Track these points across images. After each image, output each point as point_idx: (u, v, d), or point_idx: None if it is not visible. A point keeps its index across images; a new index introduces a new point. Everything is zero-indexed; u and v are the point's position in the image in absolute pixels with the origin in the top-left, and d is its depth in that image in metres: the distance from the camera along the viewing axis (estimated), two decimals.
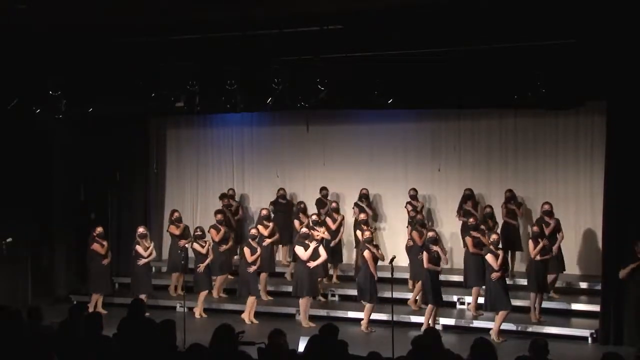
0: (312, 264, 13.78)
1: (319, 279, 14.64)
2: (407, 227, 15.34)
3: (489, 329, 12.96)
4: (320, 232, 14.80)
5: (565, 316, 13.81)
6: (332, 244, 15.38)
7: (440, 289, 13.42)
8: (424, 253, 13.22)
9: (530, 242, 13.49)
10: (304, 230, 14.14)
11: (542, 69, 11.94)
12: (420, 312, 13.89)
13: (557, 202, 14.85)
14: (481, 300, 13.53)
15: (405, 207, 15.76)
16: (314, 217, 15.09)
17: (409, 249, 14.78)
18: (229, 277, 15.79)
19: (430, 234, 13.52)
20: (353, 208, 16.26)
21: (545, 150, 15.73)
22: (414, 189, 15.98)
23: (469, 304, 14.24)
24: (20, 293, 15.23)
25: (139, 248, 14.71)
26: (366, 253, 13.37)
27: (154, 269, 16.28)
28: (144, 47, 13.25)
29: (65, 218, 16.59)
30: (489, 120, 16.08)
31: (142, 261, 14.70)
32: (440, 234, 15.63)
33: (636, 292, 12.27)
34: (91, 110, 14.30)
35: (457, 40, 12.15)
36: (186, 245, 15.18)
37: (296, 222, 15.79)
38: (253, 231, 14.56)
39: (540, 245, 13.36)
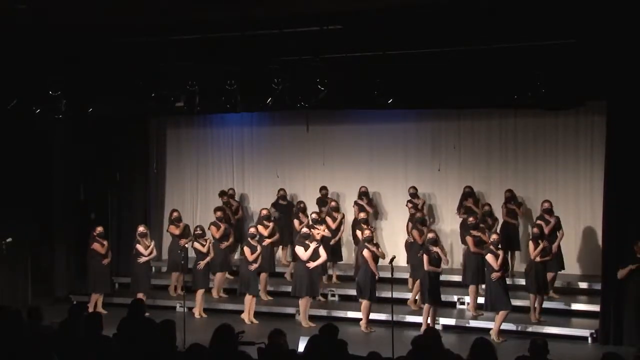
0: (311, 264, 13.78)
1: (319, 278, 14.63)
2: (408, 223, 15.34)
3: (489, 329, 12.96)
4: (321, 230, 14.82)
5: (565, 316, 13.81)
6: (331, 242, 15.38)
7: (439, 289, 13.41)
8: (424, 255, 13.21)
9: (530, 243, 13.49)
10: (305, 230, 14.14)
11: (542, 69, 11.93)
12: (420, 312, 13.88)
13: (557, 202, 14.86)
14: (481, 300, 13.54)
15: (407, 205, 15.76)
16: (314, 215, 15.11)
17: (409, 246, 14.80)
18: (229, 276, 15.80)
19: (430, 235, 13.51)
20: (353, 207, 16.27)
21: (545, 150, 15.74)
22: (414, 187, 15.99)
23: (468, 303, 14.24)
24: (20, 293, 15.24)
25: (139, 247, 14.72)
26: (365, 252, 13.37)
27: (153, 268, 16.29)
28: (144, 47, 13.24)
29: (65, 218, 16.59)
30: (489, 120, 16.08)
31: (142, 259, 14.70)
32: (440, 232, 15.63)
33: (636, 292, 12.28)
34: (91, 110, 14.29)
35: (457, 40, 12.15)
36: (186, 244, 15.19)
37: (296, 222, 15.80)
38: (252, 230, 14.57)
39: (541, 246, 13.35)
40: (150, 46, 13.20)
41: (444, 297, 13.80)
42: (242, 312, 14.22)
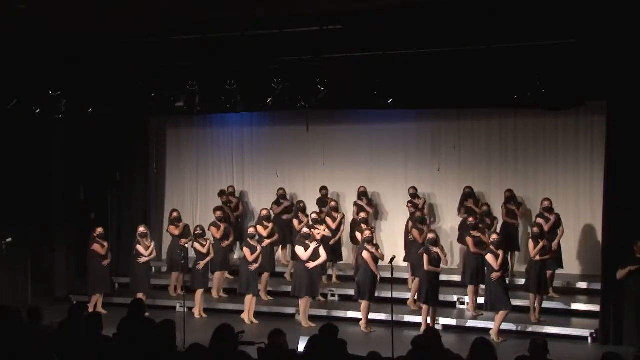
0: (311, 265, 13.77)
1: (319, 277, 14.63)
2: (407, 222, 15.34)
3: (489, 329, 12.97)
4: (321, 230, 14.82)
5: (565, 316, 13.81)
6: (331, 243, 15.38)
7: (438, 290, 13.41)
8: (424, 255, 13.21)
9: (530, 242, 13.50)
10: (305, 230, 14.14)
11: (542, 69, 11.93)
12: (420, 312, 13.88)
13: (557, 201, 14.85)
14: (481, 300, 13.54)
15: (407, 206, 15.76)
16: (314, 216, 15.11)
17: (409, 246, 14.81)
18: (228, 276, 15.80)
19: (430, 235, 13.51)
20: (353, 207, 16.27)
21: (545, 150, 15.73)
22: (414, 187, 15.98)
23: (469, 304, 14.24)
24: (20, 293, 15.24)
25: (139, 247, 14.72)
26: (365, 254, 13.37)
27: (153, 268, 16.29)
28: (144, 47, 13.24)
29: (65, 218, 16.59)
30: (489, 120, 16.08)
31: (142, 260, 14.70)
32: (440, 232, 15.63)
33: (636, 292, 12.28)
34: (91, 110, 14.29)
35: (457, 40, 12.14)
36: (187, 244, 15.19)
37: (295, 222, 15.80)
38: (251, 230, 14.58)
39: (540, 245, 13.36)
40: (150, 46, 13.20)
41: (443, 297, 13.82)
42: (242, 312, 14.22)
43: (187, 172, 18.28)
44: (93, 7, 11.55)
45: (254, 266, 14.07)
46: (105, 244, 14.97)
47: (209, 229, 15.28)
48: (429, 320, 13.16)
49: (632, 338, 12.19)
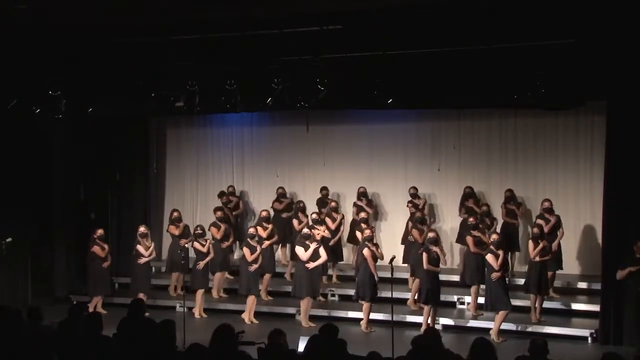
0: (310, 265, 13.77)
1: (320, 278, 14.63)
2: (407, 222, 15.33)
3: (489, 329, 12.97)
4: (321, 231, 14.82)
5: (565, 316, 13.82)
6: (331, 243, 15.37)
7: (439, 289, 13.41)
8: (424, 254, 13.21)
9: (530, 243, 13.49)
10: (305, 230, 14.13)
11: (542, 69, 11.92)
12: (420, 312, 13.89)
13: (557, 202, 14.85)
14: (481, 300, 13.54)
15: (407, 205, 15.76)
16: (314, 216, 15.11)
17: (409, 246, 14.80)
18: (228, 276, 15.80)
19: (430, 234, 13.51)
20: (353, 208, 16.27)
21: (545, 150, 15.73)
22: (414, 187, 15.98)
23: (468, 303, 14.24)
24: (20, 293, 15.24)
25: (139, 247, 14.72)
26: (365, 251, 13.37)
27: (153, 269, 16.29)
28: (144, 47, 13.24)
29: (65, 218, 16.59)
30: (489, 120, 16.08)
31: (142, 260, 14.70)
32: (441, 232, 15.63)
33: (636, 292, 12.27)
34: (91, 110, 14.29)
35: (457, 40, 12.14)
36: (187, 244, 15.18)
37: (295, 222, 15.80)
38: (251, 230, 14.58)
39: (540, 246, 13.35)
40: (150, 46, 13.20)
41: (444, 297, 13.80)
42: (242, 312, 14.22)
43: (187, 172, 18.28)
44: (93, 7, 11.55)
45: (254, 267, 14.07)
46: (106, 246, 14.96)
47: (209, 229, 15.28)
48: (429, 321, 13.16)
49: (632, 338, 12.19)
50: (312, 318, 13.96)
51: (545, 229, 13.99)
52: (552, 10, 11.39)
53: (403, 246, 15.38)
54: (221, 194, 16.87)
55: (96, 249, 14.77)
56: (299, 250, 13.86)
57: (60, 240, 16.49)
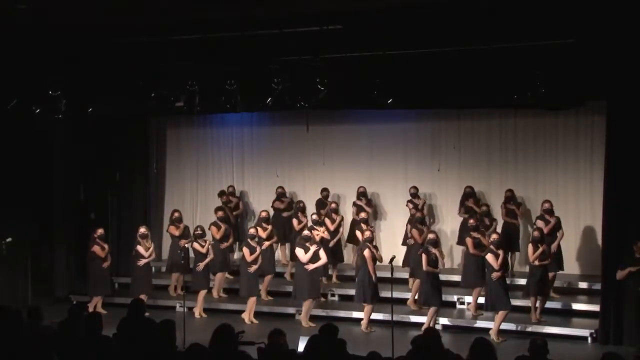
0: (310, 267, 13.75)
1: (320, 278, 14.63)
2: (407, 225, 15.33)
3: (489, 329, 12.96)
4: (320, 232, 14.81)
5: (565, 316, 13.81)
6: (330, 244, 15.36)
7: (440, 290, 13.42)
8: (423, 255, 13.21)
9: (530, 246, 13.47)
10: (306, 232, 14.10)
11: (542, 69, 11.92)
12: (420, 312, 13.90)
13: (557, 202, 14.85)
14: (481, 300, 13.54)
15: (407, 205, 15.76)
16: (315, 217, 15.11)
17: (409, 247, 14.79)
18: (228, 276, 15.80)
19: (430, 236, 13.51)
20: (353, 207, 16.26)
21: (545, 150, 15.73)
22: (415, 187, 15.98)
23: (469, 303, 14.24)
24: (20, 293, 15.24)
25: (139, 248, 14.71)
26: (366, 252, 13.36)
27: (153, 269, 16.28)
28: (144, 47, 13.24)
29: (65, 218, 16.59)
30: (489, 120, 16.08)
31: (142, 262, 14.70)
32: (440, 233, 15.65)
33: (636, 292, 12.27)
34: (91, 110, 14.29)
35: (457, 40, 12.14)
36: (186, 244, 15.19)
37: (295, 221, 15.80)
38: (252, 231, 14.57)
39: (540, 250, 13.33)
40: (150, 46, 13.20)
41: (444, 297, 13.77)
42: (242, 312, 14.22)
43: (187, 172, 18.28)
44: (93, 7, 11.55)
45: (253, 268, 14.06)
46: (106, 245, 14.96)
47: (209, 229, 15.27)
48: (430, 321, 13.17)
49: (632, 338, 12.18)
50: (312, 318, 13.96)
51: (545, 230, 13.98)
52: (552, 10, 11.39)
53: (404, 247, 15.35)
54: (221, 193, 16.87)
55: (96, 248, 14.77)
56: (299, 252, 13.84)
57: (60, 240, 16.49)
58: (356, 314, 14.01)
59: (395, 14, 11.92)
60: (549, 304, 13.85)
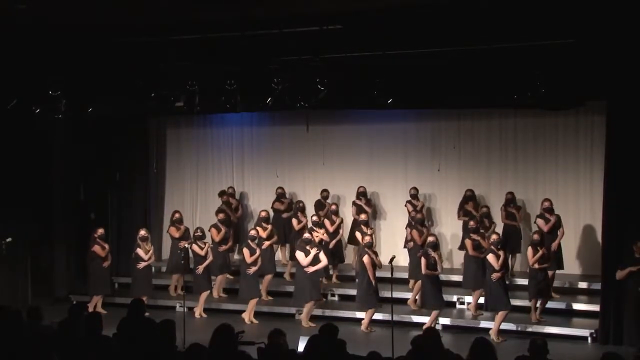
0: (310, 269, 13.74)
1: (320, 279, 14.62)
2: (406, 228, 15.32)
3: (489, 329, 12.97)
4: (320, 233, 14.80)
5: (565, 316, 13.81)
6: (330, 246, 15.35)
7: (441, 292, 13.43)
8: (422, 259, 13.20)
9: (530, 250, 13.44)
10: (307, 235, 14.07)
11: (542, 69, 11.93)
12: (420, 312, 13.90)
13: (557, 202, 14.84)
14: (481, 300, 13.54)
15: (405, 206, 15.76)
16: (315, 218, 15.10)
17: (409, 250, 14.78)
18: (229, 276, 15.79)
19: (430, 238, 13.51)
20: (352, 207, 16.25)
21: (545, 150, 15.73)
22: (415, 188, 15.97)
23: (469, 303, 14.24)
24: (20, 293, 15.24)
25: (139, 251, 14.70)
26: (365, 258, 13.33)
27: (153, 269, 16.26)
28: (144, 47, 13.24)
29: (65, 218, 16.59)
30: (489, 120, 16.08)
31: (141, 265, 14.69)
32: (440, 235, 15.65)
33: (636, 292, 12.27)
34: (91, 110, 14.29)
35: (457, 40, 12.14)
36: (186, 245, 15.17)
37: (294, 221, 15.79)
38: (252, 232, 14.56)
39: (540, 253, 13.31)
40: (150, 46, 13.19)
41: (444, 297, 13.77)
42: (242, 312, 14.22)
43: (187, 172, 18.28)
44: (93, 7, 11.54)
45: (253, 269, 14.04)
46: (106, 245, 14.96)
47: (209, 230, 15.26)
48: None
49: (632, 338, 12.18)
50: (312, 318, 13.96)
51: (545, 229, 13.99)
52: (552, 10, 11.39)
53: (404, 248, 15.33)
54: (222, 193, 16.86)
55: (96, 248, 14.77)
56: (300, 255, 13.81)
57: (60, 240, 16.49)
58: (356, 314, 14.00)
59: (395, 14, 11.92)
60: (549, 304, 13.85)
